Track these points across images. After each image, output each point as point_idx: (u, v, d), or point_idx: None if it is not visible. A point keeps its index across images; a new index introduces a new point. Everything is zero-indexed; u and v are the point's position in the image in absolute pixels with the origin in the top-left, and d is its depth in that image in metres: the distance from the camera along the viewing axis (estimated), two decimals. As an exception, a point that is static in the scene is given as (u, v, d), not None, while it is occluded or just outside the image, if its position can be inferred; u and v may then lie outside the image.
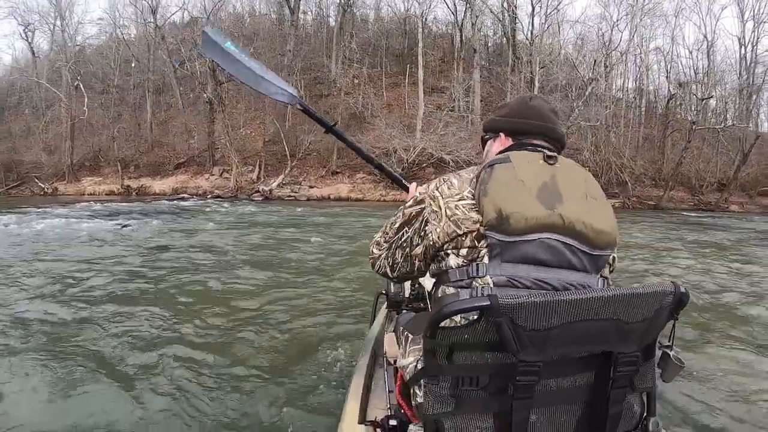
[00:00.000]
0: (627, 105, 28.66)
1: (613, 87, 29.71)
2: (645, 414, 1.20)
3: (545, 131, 1.40)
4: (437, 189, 1.28)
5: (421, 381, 1.11)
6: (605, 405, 1.11)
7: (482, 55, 31.41)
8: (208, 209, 17.46)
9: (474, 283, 1.16)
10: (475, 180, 1.24)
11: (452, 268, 1.20)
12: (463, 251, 1.19)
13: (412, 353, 1.28)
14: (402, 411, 1.41)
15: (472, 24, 30.49)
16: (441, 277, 1.25)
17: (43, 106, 31.89)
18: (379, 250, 1.49)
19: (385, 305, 2.32)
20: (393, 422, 1.35)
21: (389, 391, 1.68)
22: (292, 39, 28.83)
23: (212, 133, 27.43)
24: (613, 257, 1.26)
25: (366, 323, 2.98)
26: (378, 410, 1.63)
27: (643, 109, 28.96)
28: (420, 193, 1.33)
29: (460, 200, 1.22)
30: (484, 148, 1.55)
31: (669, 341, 1.20)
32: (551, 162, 1.25)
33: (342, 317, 4.42)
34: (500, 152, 1.36)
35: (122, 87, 32.35)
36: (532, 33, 28.25)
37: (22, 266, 6.53)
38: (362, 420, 1.56)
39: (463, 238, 1.18)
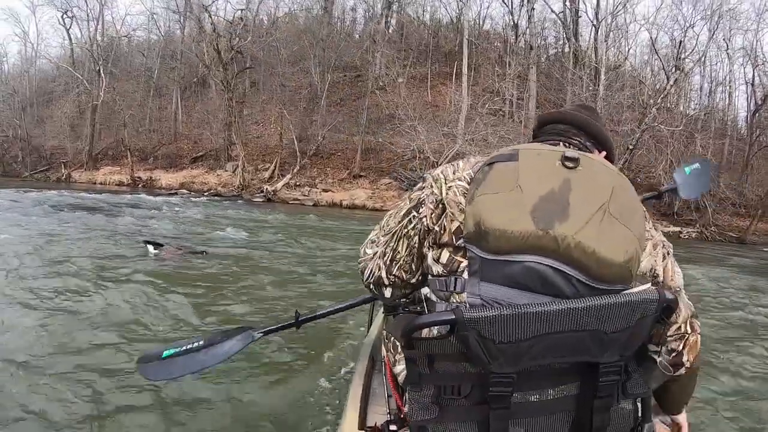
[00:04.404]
0: (707, 115, 24.51)
1: (684, 99, 25.72)
2: (640, 420, 1.17)
3: (567, 117, 1.30)
4: (442, 172, 1.14)
5: (407, 388, 1.09)
6: (590, 415, 1.06)
7: (540, 58, 28.12)
8: (166, 208, 15.11)
9: (451, 297, 1.07)
10: (478, 166, 1.09)
11: (433, 276, 1.11)
12: (444, 256, 1.06)
13: (401, 361, 1.25)
14: (401, 416, 1.35)
15: (528, 17, 27.19)
16: (429, 283, 1.15)
17: (82, 93, 31.67)
18: (374, 248, 1.26)
19: (381, 309, 2.13)
20: (393, 427, 1.32)
21: (388, 396, 1.60)
22: (325, 27, 26.51)
23: (228, 127, 25.36)
24: None
25: (363, 327, 3.01)
26: (378, 415, 1.58)
27: (729, 120, 24.63)
28: (426, 175, 1.19)
29: (458, 180, 1.08)
30: None
31: (659, 347, 1.15)
32: (571, 165, 1.03)
33: (339, 322, 4.33)
34: None
35: (160, 77, 31.85)
36: (597, 25, 24.75)
37: None
38: (362, 426, 1.52)
39: (443, 233, 1.06)
